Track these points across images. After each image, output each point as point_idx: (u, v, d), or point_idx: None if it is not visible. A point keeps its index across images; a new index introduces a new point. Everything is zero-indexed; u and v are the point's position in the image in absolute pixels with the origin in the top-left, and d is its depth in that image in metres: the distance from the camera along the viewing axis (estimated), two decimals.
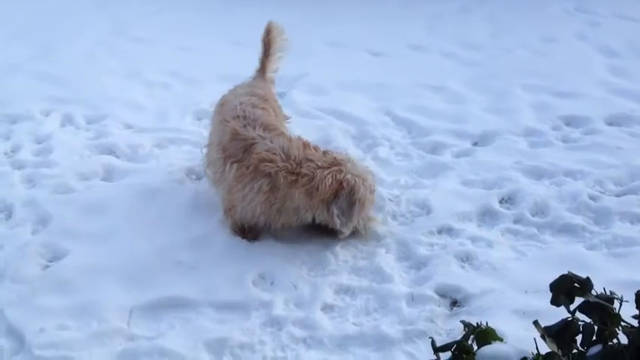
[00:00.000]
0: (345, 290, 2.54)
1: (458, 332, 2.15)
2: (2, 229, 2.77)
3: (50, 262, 2.61)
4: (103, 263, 2.59)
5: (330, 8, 5.14)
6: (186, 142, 3.52)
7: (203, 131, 3.59)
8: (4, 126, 3.55)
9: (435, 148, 3.46)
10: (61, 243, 2.69)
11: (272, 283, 2.58)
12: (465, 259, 2.65)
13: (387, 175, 3.22)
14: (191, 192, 3.05)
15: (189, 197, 3.01)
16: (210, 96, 3.75)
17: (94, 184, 3.13)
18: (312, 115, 3.78)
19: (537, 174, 3.19)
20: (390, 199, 3.04)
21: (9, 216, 2.85)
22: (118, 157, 3.37)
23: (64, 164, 3.24)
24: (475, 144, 3.51)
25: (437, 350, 1.64)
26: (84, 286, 2.48)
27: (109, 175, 3.22)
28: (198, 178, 3.20)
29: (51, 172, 3.16)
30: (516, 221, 2.87)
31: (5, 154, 3.35)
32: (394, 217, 2.94)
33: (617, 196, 3.01)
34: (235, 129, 2.75)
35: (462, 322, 1.72)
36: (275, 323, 2.38)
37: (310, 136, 3.53)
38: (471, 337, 1.65)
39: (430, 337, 1.82)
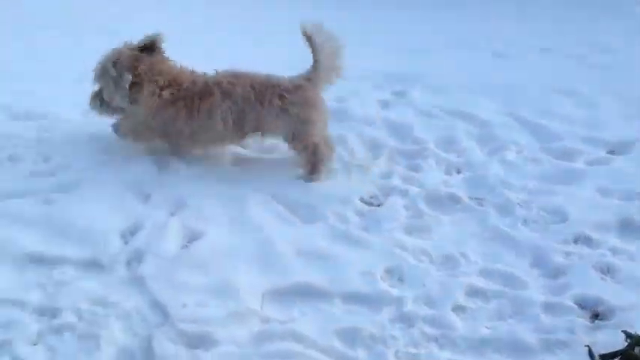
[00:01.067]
0: (475, 292, 2.50)
1: (601, 346, 2.06)
2: (142, 209, 2.86)
3: (188, 242, 2.69)
4: (238, 246, 2.65)
5: (450, 6, 5.05)
6: None
7: None
8: None
9: (567, 155, 3.35)
10: (198, 225, 2.76)
11: (399, 279, 2.56)
12: (606, 270, 2.54)
13: (515, 179, 3.15)
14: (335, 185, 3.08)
15: (331, 189, 3.04)
16: None
17: (227, 170, 3.20)
18: (432, 115, 3.74)
19: None
20: (519, 204, 2.97)
21: (148, 198, 2.95)
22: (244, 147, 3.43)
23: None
24: (611, 152, 3.37)
25: (601, 357, 1.58)
26: (220, 266, 2.54)
27: (237, 164, 3.28)
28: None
29: (181, 160, 3.25)
30: None
31: None
32: (525, 222, 2.86)
33: None
34: None
35: (624, 332, 1.65)
36: (405, 319, 2.36)
37: (431, 135, 3.52)
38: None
39: (587, 346, 1.75)
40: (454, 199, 3.05)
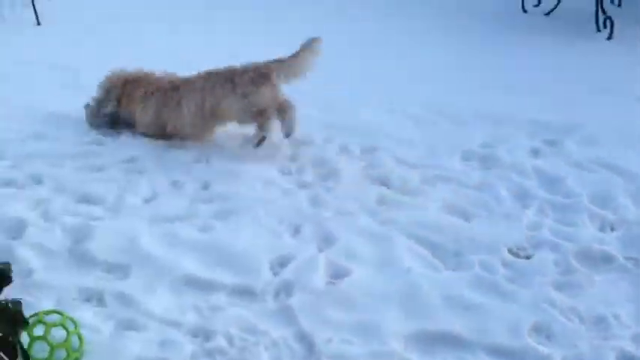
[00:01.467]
0: (628, 358, 2.39)
1: None
2: (292, 242, 3.00)
3: (335, 279, 2.78)
4: (384, 287, 2.71)
5: (605, 60, 4.91)
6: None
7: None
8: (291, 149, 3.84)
9: None
10: (344, 262, 2.85)
11: (547, 337, 2.51)
12: None
13: None
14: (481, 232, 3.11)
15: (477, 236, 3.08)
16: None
17: (373, 209, 3.29)
18: (587, 168, 3.64)
19: None
20: None
21: (297, 231, 3.09)
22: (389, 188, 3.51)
23: (342, 188, 3.45)
24: None
25: None
26: (365, 305, 2.61)
27: (384, 204, 3.36)
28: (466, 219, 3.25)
29: (331, 196, 3.38)
30: None
31: (291, 173, 3.63)
32: None
33: None
34: None
35: None
36: None
37: (584, 189, 3.43)
38: None
39: None
40: (608, 258, 2.95)
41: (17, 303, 2.00)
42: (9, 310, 1.97)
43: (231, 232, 3.04)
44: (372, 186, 3.52)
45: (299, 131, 3.80)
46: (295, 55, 3.78)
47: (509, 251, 3.02)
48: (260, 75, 3.71)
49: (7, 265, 2.06)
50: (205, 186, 3.45)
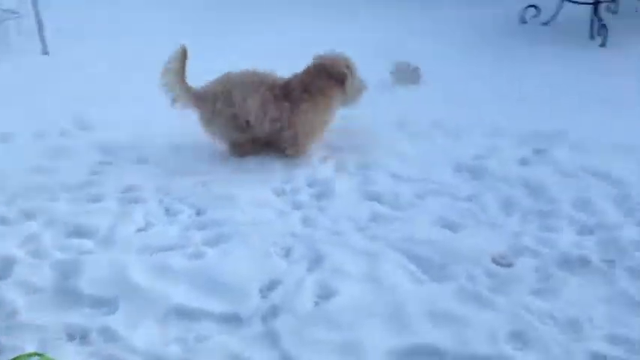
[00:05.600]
0: (599, 358, 2.54)
1: None
2: (282, 264, 3.18)
3: (322, 299, 2.94)
4: (370, 305, 2.87)
5: (598, 65, 5.02)
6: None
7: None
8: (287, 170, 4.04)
9: None
10: (332, 282, 3.02)
11: (524, 343, 2.66)
12: None
13: None
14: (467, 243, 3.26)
15: (463, 247, 3.22)
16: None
17: (363, 226, 3.46)
18: (571, 175, 3.77)
19: None
20: None
21: (289, 253, 3.27)
22: (382, 204, 3.69)
23: (336, 207, 3.64)
24: None
25: None
26: (350, 324, 2.76)
27: (375, 220, 3.54)
28: (454, 231, 3.41)
29: (325, 215, 3.57)
30: None
31: (285, 194, 3.82)
32: None
33: None
34: None
35: None
36: None
37: (567, 195, 3.57)
38: None
39: None
40: (585, 261, 3.08)
41: None
42: None
43: (222, 258, 3.19)
44: (365, 202, 3.70)
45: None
46: None
47: (493, 260, 3.18)
48: None
49: None
50: (200, 212, 3.61)
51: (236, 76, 4.09)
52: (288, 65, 4.09)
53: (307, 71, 4.10)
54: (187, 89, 4.06)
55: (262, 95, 4.00)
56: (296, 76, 4.11)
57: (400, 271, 3.11)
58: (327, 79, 4.05)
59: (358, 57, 4.17)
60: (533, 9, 5.91)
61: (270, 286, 3.03)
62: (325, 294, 2.96)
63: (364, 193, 3.78)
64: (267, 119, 4.03)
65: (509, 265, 3.16)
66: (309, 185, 3.88)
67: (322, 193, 3.79)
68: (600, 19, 5.54)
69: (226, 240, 3.36)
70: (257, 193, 3.76)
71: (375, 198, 3.73)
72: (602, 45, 5.39)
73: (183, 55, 3.99)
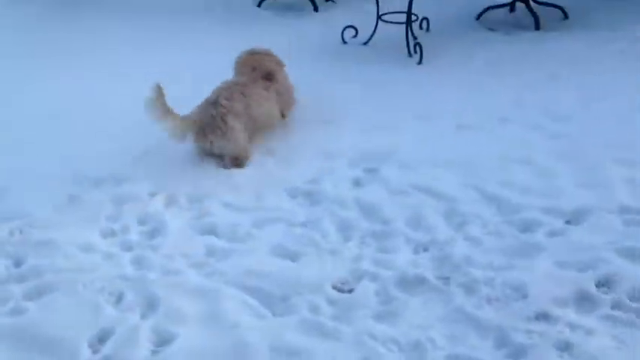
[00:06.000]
0: None
1: None
2: (114, 313, 2.95)
3: (158, 346, 2.76)
4: (211, 348, 2.73)
5: (418, 82, 5.23)
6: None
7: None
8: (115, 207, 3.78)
9: (528, 227, 3.47)
10: (169, 327, 2.84)
11: None
12: (564, 348, 2.64)
13: (480, 256, 3.26)
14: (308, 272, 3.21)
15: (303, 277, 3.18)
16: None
17: (200, 262, 3.31)
18: (403, 193, 3.85)
19: (633, 255, 3.16)
20: (484, 282, 3.08)
21: (120, 299, 3.04)
22: (218, 237, 3.55)
23: (169, 245, 3.44)
24: (568, 222, 3.50)
25: None
26: None
27: (212, 255, 3.39)
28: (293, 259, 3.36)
29: (158, 254, 3.37)
30: (614, 307, 2.85)
31: (114, 235, 3.57)
32: (489, 301, 2.97)
33: None
34: None
35: None
36: None
37: (401, 214, 3.65)
38: None
39: None
40: (421, 280, 3.16)
41: None
42: None
43: (46, 312, 2.93)
44: (200, 237, 3.54)
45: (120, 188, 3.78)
46: None
47: (334, 287, 3.16)
48: None
49: None
50: (18, 262, 3.30)
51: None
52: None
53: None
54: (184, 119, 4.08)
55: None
56: None
57: (241, 308, 3.00)
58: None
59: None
60: (352, 29, 6.06)
61: (101, 337, 2.81)
62: (162, 340, 2.79)
63: (198, 226, 3.62)
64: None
65: (350, 290, 3.15)
66: (140, 222, 3.65)
67: (154, 230, 3.58)
68: (415, 38, 5.79)
69: (50, 291, 3.08)
70: (81, 235, 3.48)
71: (211, 231, 3.58)
72: (420, 63, 5.62)
73: (159, 92, 3.93)
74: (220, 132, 4.14)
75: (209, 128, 4.14)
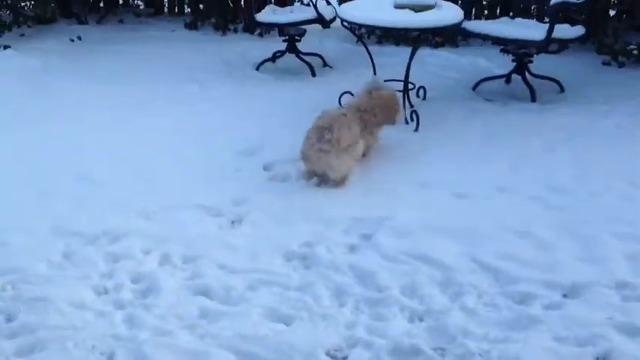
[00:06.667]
0: None
1: None
2: None
3: None
4: None
5: (414, 149, 5.28)
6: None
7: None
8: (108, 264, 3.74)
9: (524, 299, 3.44)
10: None
11: None
12: None
13: (476, 327, 3.22)
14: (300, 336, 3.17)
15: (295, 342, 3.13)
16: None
17: (192, 326, 3.25)
18: (398, 260, 3.83)
19: (631, 332, 3.13)
20: (479, 354, 3.04)
21: (110, 358, 2.98)
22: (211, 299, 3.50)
23: (162, 305, 3.39)
24: (565, 296, 3.48)
25: None
26: None
27: (204, 317, 3.34)
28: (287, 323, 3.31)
29: (150, 314, 3.32)
30: None
31: (107, 292, 3.52)
32: None
33: None
34: None
35: None
36: None
37: (396, 282, 3.62)
38: None
39: None
40: (416, 351, 3.11)
41: None
42: None
43: None
44: (194, 298, 3.50)
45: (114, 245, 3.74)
46: None
47: (327, 354, 3.11)
48: None
49: None
50: (10, 318, 3.25)
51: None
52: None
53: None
54: None
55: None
56: None
57: None
58: None
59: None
60: (349, 95, 6.14)
61: None
62: None
63: (192, 287, 3.58)
64: None
65: (344, 358, 3.10)
66: (133, 281, 3.61)
67: (147, 289, 3.54)
68: (412, 105, 5.88)
69: (41, 348, 3.04)
70: (74, 292, 3.44)
71: (204, 292, 3.54)
72: (416, 130, 5.69)
73: None
74: None
75: None
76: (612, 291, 3.46)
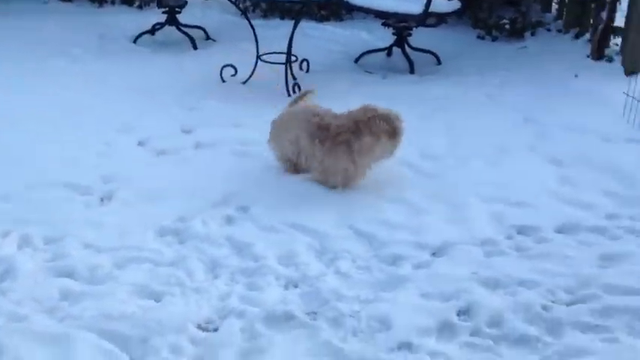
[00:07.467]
0: None
1: None
2: None
3: None
4: None
5: None
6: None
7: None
8: None
9: (395, 261, 3.49)
10: None
11: None
12: None
13: (347, 290, 3.23)
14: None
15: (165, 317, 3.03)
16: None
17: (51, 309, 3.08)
18: (276, 230, 3.79)
19: (493, 285, 3.25)
20: (350, 315, 3.05)
21: None
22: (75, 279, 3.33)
23: (19, 289, 3.19)
24: (434, 254, 3.56)
25: None
26: None
27: (66, 299, 3.17)
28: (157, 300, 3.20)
29: (6, 299, 3.11)
30: (473, 334, 2.91)
31: None
32: (354, 333, 2.93)
33: (568, 305, 3.12)
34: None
35: None
36: None
37: (273, 251, 3.58)
38: None
39: None
40: (290, 316, 3.07)
41: None
42: None
43: None
44: (55, 280, 3.31)
45: None
46: None
47: (198, 327, 3.03)
48: None
49: None
50: None
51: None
52: None
53: None
54: None
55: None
56: None
57: (95, 353, 2.80)
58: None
59: None
60: (231, 68, 6.03)
61: None
62: None
63: (54, 269, 3.38)
64: None
65: (215, 329, 3.03)
66: None
67: (3, 273, 3.31)
68: (294, 78, 5.86)
69: None
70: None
71: (67, 274, 3.35)
72: None
73: None
74: None
75: None
76: (477, 248, 3.58)
